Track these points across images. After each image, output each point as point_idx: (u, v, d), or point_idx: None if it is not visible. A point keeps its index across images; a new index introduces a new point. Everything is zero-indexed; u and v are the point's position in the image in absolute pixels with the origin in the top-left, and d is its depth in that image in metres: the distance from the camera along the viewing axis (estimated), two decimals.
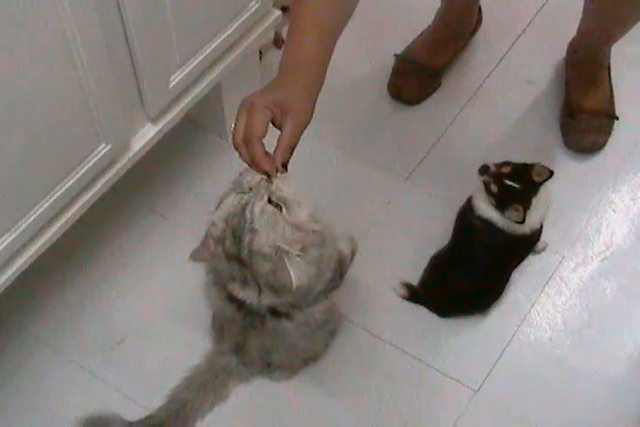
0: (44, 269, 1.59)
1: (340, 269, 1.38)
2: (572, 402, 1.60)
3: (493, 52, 2.01)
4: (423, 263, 1.69)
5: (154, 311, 1.67)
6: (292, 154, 1.16)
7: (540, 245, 1.69)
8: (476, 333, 1.67)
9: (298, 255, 1.16)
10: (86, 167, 1.38)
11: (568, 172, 1.51)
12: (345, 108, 1.92)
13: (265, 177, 1.16)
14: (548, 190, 1.56)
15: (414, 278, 1.70)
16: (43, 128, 1.24)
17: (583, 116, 1.86)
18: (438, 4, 1.93)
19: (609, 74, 1.92)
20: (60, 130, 1.28)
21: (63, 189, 1.36)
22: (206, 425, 1.54)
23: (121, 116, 1.39)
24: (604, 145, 1.87)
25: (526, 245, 1.64)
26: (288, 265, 1.15)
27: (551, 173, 1.52)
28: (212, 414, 1.55)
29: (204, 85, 1.55)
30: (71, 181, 1.36)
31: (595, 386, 1.61)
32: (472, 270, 1.61)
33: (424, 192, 1.81)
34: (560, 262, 1.74)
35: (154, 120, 1.50)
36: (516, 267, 1.66)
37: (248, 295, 1.26)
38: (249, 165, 1.16)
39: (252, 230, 1.15)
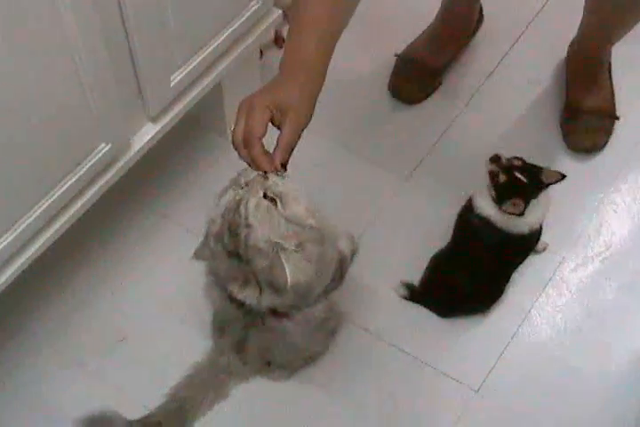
0: (43, 269, 1.59)
1: (341, 269, 1.38)
2: (572, 402, 1.60)
3: (494, 51, 2.01)
4: (423, 263, 1.69)
5: (154, 311, 1.66)
6: (291, 154, 1.16)
7: (540, 245, 1.69)
8: (475, 333, 1.66)
9: (295, 251, 1.16)
10: (86, 167, 1.38)
11: (568, 172, 1.51)
12: (345, 108, 1.92)
13: (261, 173, 1.15)
14: (549, 191, 1.55)
15: (414, 278, 1.70)
16: (42, 127, 1.24)
17: (584, 116, 1.86)
18: (439, 4, 1.93)
19: (609, 74, 1.91)
20: (60, 129, 1.28)
21: (63, 188, 1.35)
22: (206, 424, 1.54)
23: (121, 116, 1.39)
24: (604, 145, 1.87)
25: (526, 245, 1.63)
26: (284, 261, 1.15)
27: (562, 177, 1.51)
28: (211, 413, 1.55)
29: (204, 85, 1.55)
30: (71, 181, 1.36)
31: (595, 386, 1.61)
32: (472, 271, 1.61)
33: (424, 192, 1.81)
34: (560, 263, 1.74)
35: (154, 119, 1.50)
36: (516, 267, 1.65)
37: (248, 296, 1.26)
38: (248, 164, 1.16)
39: (248, 225, 1.15)
